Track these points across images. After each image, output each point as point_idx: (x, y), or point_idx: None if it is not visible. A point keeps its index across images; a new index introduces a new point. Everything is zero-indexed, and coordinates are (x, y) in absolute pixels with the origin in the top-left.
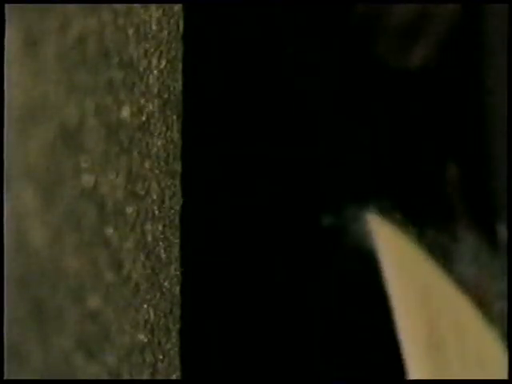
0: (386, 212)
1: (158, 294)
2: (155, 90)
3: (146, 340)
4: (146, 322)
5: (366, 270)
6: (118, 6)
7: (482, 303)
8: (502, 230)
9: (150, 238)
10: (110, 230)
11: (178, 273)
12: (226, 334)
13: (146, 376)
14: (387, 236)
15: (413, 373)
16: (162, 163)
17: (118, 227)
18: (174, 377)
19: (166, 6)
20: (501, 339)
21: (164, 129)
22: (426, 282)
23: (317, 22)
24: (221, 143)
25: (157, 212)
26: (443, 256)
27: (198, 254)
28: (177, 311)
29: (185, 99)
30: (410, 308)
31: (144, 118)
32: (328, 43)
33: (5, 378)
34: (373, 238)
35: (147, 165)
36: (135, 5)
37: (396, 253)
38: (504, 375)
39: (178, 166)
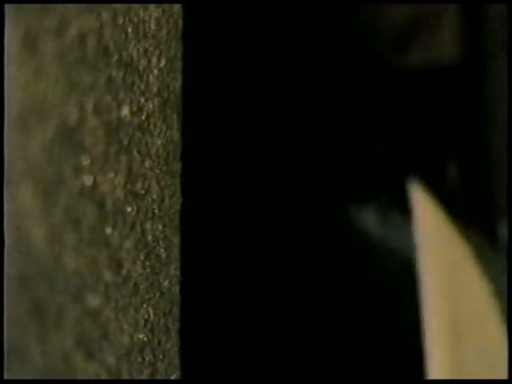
0: (385, 211)
1: (158, 294)
2: (155, 89)
3: (145, 339)
4: (146, 321)
5: (366, 270)
6: (118, 5)
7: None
8: (503, 230)
9: (149, 238)
10: (109, 230)
11: (178, 272)
12: (225, 334)
13: (145, 375)
14: (427, 209)
15: (434, 367)
16: (162, 162)
17: (117, 226)
18: (173, 376)
19: (166, 5)
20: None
21: (164, 128)
22: (454, 262)
23: (317, 22)
24: (221, 143)
25: (157, 211)
26: None
27: (198, 254)
28: (176, 311)
29: (185, 98)
30: (435, 289)
31: (144, 117)
32: (328, 43)
33: (4, 377)
34: (413, 208)
35: (147, 164)
36: (134, 4)
37: (432, 228)
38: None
39: (177, 166)
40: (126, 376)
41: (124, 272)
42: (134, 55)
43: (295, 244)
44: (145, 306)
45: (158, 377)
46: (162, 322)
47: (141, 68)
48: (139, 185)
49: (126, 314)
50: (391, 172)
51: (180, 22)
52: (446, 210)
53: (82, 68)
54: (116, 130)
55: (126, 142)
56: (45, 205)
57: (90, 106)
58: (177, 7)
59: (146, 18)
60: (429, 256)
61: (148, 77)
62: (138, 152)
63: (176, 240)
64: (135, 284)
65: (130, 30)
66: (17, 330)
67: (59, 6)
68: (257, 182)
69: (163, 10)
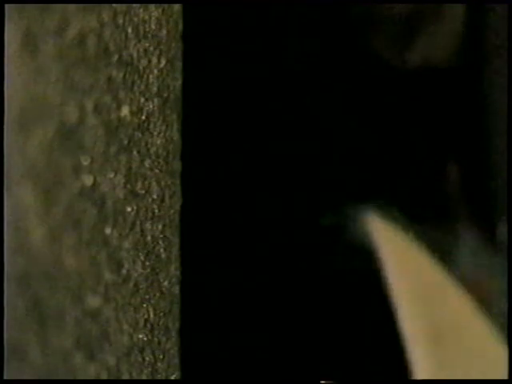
0: (385, 211)
1: (158, 294)
2: (155, 89)
3: (145, 339)
4: (146, 321)
5: (366, 270)
6: (118, 5)
7: (481, 303)
8: (502, 230)
9: (149, 238)
10: (109, 230)
11: (178, 272)
12: (225, 334)
13: (145, 375)
14: (388, 235)
15: (416, 370)
16: (162, 162)
17: (117, 226)
18: (173, 376)
19: (166, 5)
20: (501, 338)
21: (164, 128)
22: (426, 280)
23: (317, 22)
24: (221, 142)
25: (157, 211)
26: (443, 256)
27: (198, 254)
28: (176, 311)
29: (184, 98)
30: (411, 306)
31: (144, 117)
32: (327, 42)
33: (4, 377)
34: (373, 237)
35: (147, 164)
36: (134, 4)
37: (397, 252)
38: (504, 372)
39: (177, 166)
40: (126, 375)
41: (124, 272)
42: (134, 55)
43: (295, 244)
44: (145, 305)
45: (158, 377)
46: (161, 322)
47: (141, 68)
48: (139, 185)
49: (126, 314)
50: (391, 172)
51: (180, 22)
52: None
53: (82, 68)
54: (116, 130)
55: (125, 142)
56: (45, 205)
57: (90, 106)
58: (177, 7)
59: (146, 17)
60: (399, 280)
61: (148, 77)
62: (138, 152)
63: (176, 240)
64: (135, 284)
65: (129, 30)
66: (17, 329)
67: (59, 6)
68: (257, 181)
69: (163, 10)
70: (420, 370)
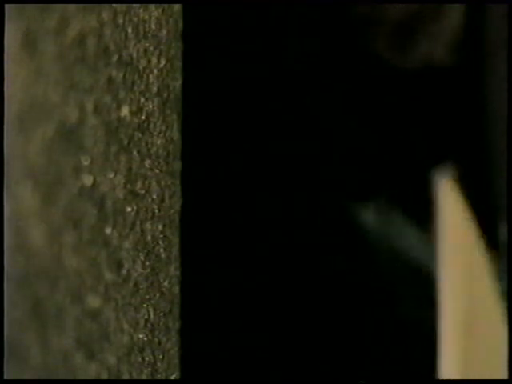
0: (385, 211)
1: (158, 294)
2: (155, 89)
3: (145, 339)
4: (146, 321)
5: (366, 269)
6: (118, 5)
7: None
8: (503, 230)
9: (149, 238)
10: (109, 230)
11: (178, 272)
12: (225, 334)
13: (145, 375)
14: (451, 203)
15: (445, 351)
16: (162, 162)
17: (117, 226)
18: (173, 376)
19: (166, 5)
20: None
21: (164, 128)
22: (473, 263)
23: (316, 22)
24: (221, 143)
25: (157, 211)
26: None
27: (198, 254)
28: (176, 311)
29: (185, 98)
30: (453, 284)
31: (144, 117)
32: (327, 42)
33: (4, 377)
34: (438, 200)
35: (147, 164)
36: (134, 4)
37: (454, 227)
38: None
39: (177, 166)
40: (126, 375)
41: (124, 272)
42: (134, 55)
43: (295, 244)
44: (145, 305)
45: (158, 377)
46: (162, 322)
47: (141, 68)
48: (139, 185)
49: (126, 313)
50: (391, 172)
51: (180, 22)
52: (469, 208)
53: (82, 68)
54: (116, 130)
55: (125, 142)
56: (45, 205)
57: (90, 106)
58: (177, 7)
59: (146, 17)
60: (449, 255)
61: (148, 77)
62: (138, 152)
63: (176, 240)
64: (135, 284)
65: (129, 30)
66: (17, 329)
67: (59, 6)
68: (257, 181)
69: (163, 10)
70: (451, 367)
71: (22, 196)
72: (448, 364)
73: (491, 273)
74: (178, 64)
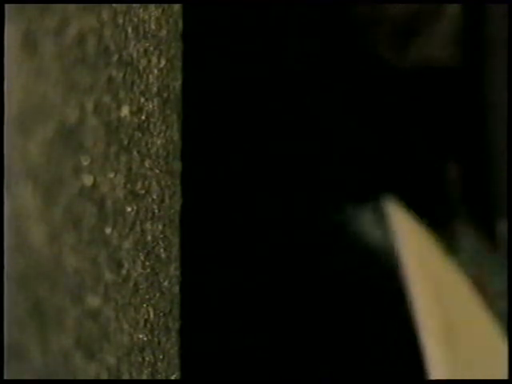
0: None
1: (158, 294)
2: (155, 89)
3: (145, 339)
4: (146, 321)
5: (364, 269)
6: (118, 5)
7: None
8: (502, 229)
9: (149, 238)
10: (109, 230)
11: (178, 272)
12: (225, 334)
13: (145, 375)
14: (407, 227)
15: (430, 363)
16: (162, 162)
17: (117, 226)
18: (173, 376)
19: (166, 5)
20: (501, 338)
21: (164, 128)
22: (443, 276)
23: (317, 22)
24: (221, 143)
25: (156, 211)
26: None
27: (198, 254)
28: (176, 311)
29: (184, 98)
30: (428, 299)
31: (144, 117)
32: (327, 42)
33: (4, 377)
34: (390, 223)
35: (147, 164)
36: (134, 4)
37: (415, 245)
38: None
39: (177, 166)
40: (126, 376)
41: (124, 272)
42: (134, 55)
43: (295, 243)
44: (145, 305)
45: (158, 377)
46: (162, 322)
47: (141, 68)
48: (139, 185)
49: (126, 313)
50: (390, 172)
51: (180, 22)
52: (421, 221)
53: (82, 68)
54: (116, 130)
55: (125, 142)
56: (45, 205)
57: (90, 106)
58: (177, 7)
59: (146, 18)
60: (413, 264)
61: (148, 77)
62: (138, 152)
63: (176, 240)
64: (135, 284)
65: (129, 30)
66: (17, 329)
67: (59, 6)
68: (256, 181)
69: (163, 10)
70: (434, 364)
71: (22, 196)
72: (436, 368)
73: (459, 273)
74: (178, 64)
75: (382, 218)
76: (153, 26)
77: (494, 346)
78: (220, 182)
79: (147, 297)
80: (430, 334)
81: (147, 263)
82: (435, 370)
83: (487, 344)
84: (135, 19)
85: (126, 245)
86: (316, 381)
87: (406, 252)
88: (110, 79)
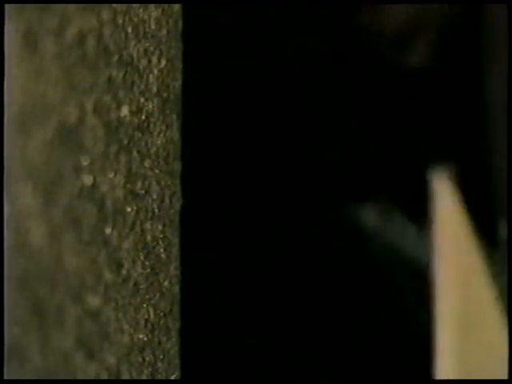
0: (385, 211)
1: (158, 294)
2: (155, 89)
3: (145, 339)
4: (146, 321)
5: (366, 268)
6: (118, 5)
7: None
8: (502, 230)
9: (149, 238)
10: (109, 230)
11: (178, 272)
12: (225, 334)
13: (145, 375)
14: (448, 201)
15: (440, 348)
16: (162, 162)
17: (117, 226)
18: (173, 376)
19: (166, 5)
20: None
21: (164, 128)
22: (469, 264)
23: (317, 22)
24: (221, 143)
25: (156, 211)
26: None
27: (198, 254)
28: (177, 311)
29: (184, 98)
30: (450, 284)
31: (144, 117)
32: (328, 43)
33: (5, 377)
34: (436, 197)
35: (147, 164)
36: (134, 4)
37: (451, 226)
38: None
39: (177, 166)
40: (126, 376)
41: (124, 272)
42: (134, 55)
43: (295, 243)
44: (145, 305)
45: (158, 377)
46: (162, 322)
47: (141, 68)
48: (139, 185)
49: (126, 314)
50: (391, 171)
51: (180, 22)
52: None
53: (82, 68)
54: (116, 130)
55: (125, 142)
56: (45, 205)
57: (90, 106)
58: (177, 7)
59: (146, 18)
60: (445, 255)
61: (148, 77)
62: (138, 152)
63: (176, 240)
64: (135, 284)
65: (129, 30)
66: (17, 329)
67: (59, 6)
68: (257, 181)
69: (163, 10)
70: (447, 367)
71: (22, 196)
72: (444, 363)
73: (487, 271)
74: (178, 64)
75: (383, 217)
76: (153, 26)
77: (499, 345)
78: (220, 182)
79: (147, 297)
80: (445, 321)
81: (147, 263)
82: (442, 357)
83: (495, 342)
84: (135, 19)
85: (126, 245)
86: (316, 381)
87: (441, 234)
88: (110, 79)
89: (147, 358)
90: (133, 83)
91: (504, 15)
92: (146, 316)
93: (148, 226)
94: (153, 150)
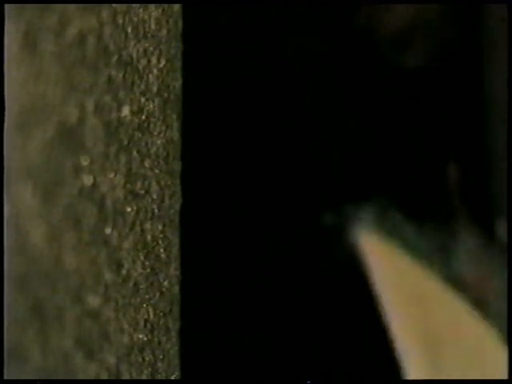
0: (385, 211)
1: (158, 294)
2: (155, 89)
3: (145, 339)
4: (146, 321)
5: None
6: (118, 5)
7: (481, 302)
8: (502, 230)
9: (149, 238)
10: (109, 230)
11: (178, 272)
12: (225, 334)
13: (145, 375)
14: (375, 248)
15: (410, 370)
16: (162, 162)
17: (117, 226)
18: (173, 376)
19: (166, 5)
20: (500, 338)
21: (164, 128)
22: (414, 284)
23: (317, 22)
24: (221, 142)
25: (156, 211)
26: (443, 255)
27: (198, 254)
28: (176, 311)
29: (184, 98)
30: (401, 308)
31: (144, 117)
32: (328, 43)
33: (5, 377)
34: (362, 252)
35: (147, 164)
36: (134, 4)
37: (384, 262)
38: (503, 371)
39: (177, 166)
40: (126, 376)
41: (124, 272)
42: (134, 55)
43: (295, 243)
44: (145, 305)
45: (158, 377)
46: (162, 322)
47: (141, 68)
48: (139, 185)
49: (126, 314)
50: (390, 172)
51: (180, 22)
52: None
53: (82, 68)
54: (116, 130)
55: (125, 142)
56: (45, 205)
57: (90, 106)
58: (177, 7)
59: (146, 17)
60: (387, 286)
61: (148, 77)
62: (138, 152)
63: (176, 240)
64: (135, 284)
65: (129, 30)
66: (17, 329)
67: (59, 6)
68: (256, 181)
69: (163, 10)
70: (414, 370)
71: (22, 196)
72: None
73: (438, 284)
74: (178, 64)
75: (382, 218)
76: (153, 26)
77: (484, 349)
78: (220, 182)
79: (147, 297)
80: (410, 346)
81: (147, 263)
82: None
83: (476, 348)
84: (135, 19)
85: (126, 245)
86: (316, 381)
87: (376, 269)
88: (110, 79)
89: (147, 358)
90: (133, 83)
91: (504, 15)
92: (146, 316)
93: (148, 226)
94: (153, 150)
